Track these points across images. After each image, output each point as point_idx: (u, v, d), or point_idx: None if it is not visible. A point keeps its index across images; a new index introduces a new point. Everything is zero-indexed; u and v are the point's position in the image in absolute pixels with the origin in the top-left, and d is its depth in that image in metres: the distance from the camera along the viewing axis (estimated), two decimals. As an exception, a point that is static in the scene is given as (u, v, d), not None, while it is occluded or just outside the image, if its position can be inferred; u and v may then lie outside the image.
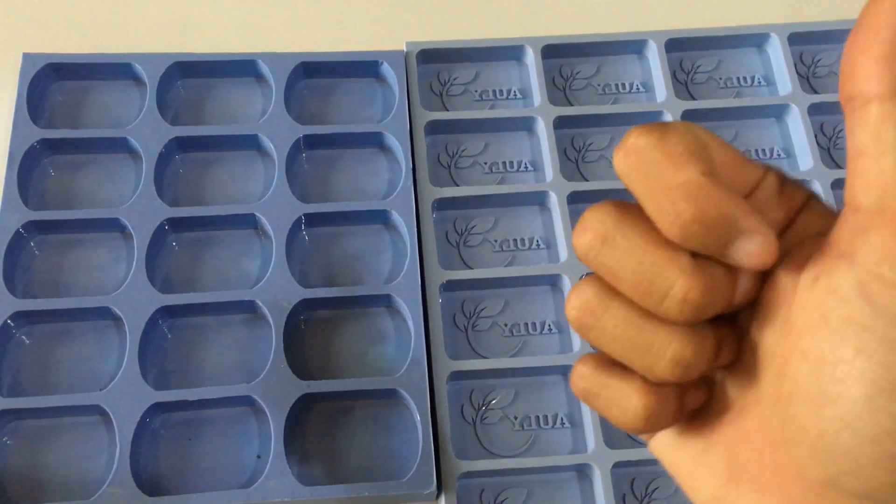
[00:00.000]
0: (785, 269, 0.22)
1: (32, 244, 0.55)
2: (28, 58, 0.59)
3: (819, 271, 0.21)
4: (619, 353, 0.23)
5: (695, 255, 0.22)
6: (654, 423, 0.24)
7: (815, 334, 0.21)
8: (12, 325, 0.52)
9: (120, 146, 0.58)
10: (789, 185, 0.24)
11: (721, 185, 0.21)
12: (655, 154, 0.21)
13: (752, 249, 0.21)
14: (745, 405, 0.24)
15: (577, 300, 0.23)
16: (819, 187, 0.58)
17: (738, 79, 0.64)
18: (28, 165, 0.57)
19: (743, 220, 0.21)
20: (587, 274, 0.25)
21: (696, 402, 0.24)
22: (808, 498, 0.22)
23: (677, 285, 0.22)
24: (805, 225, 0.24)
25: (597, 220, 0.23)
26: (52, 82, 0.60)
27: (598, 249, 0.23)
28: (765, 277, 0.23)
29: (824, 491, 0.21)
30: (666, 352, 0.22)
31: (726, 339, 0.23)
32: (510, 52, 0.63)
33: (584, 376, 0.24)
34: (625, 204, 0.23)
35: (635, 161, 0.22)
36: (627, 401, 0.23)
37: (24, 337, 0.53)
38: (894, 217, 0.19)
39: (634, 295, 0.22)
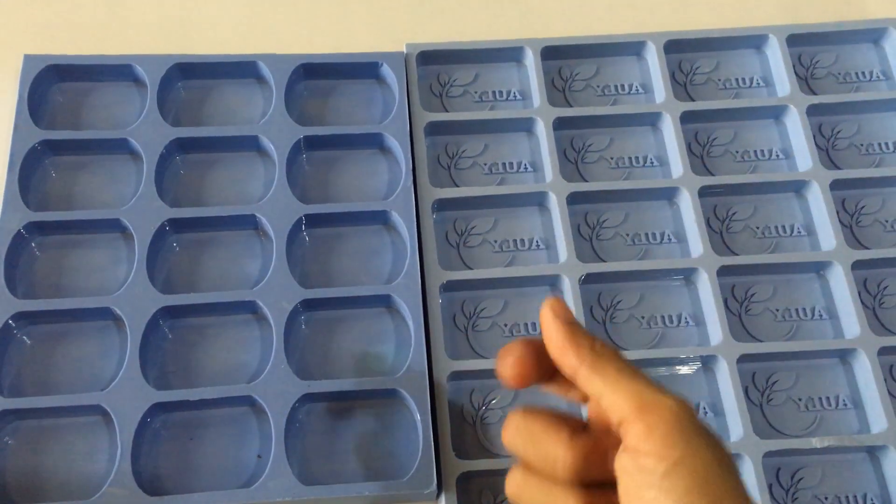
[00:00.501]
0: (616, 459, 0.31)
1: (34, 245, 0.56)
2: (29, 59, 0.59)
3: (618, 460, 0.31)
4: None
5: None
6: None
7: (627, 499, 0.30)
8: (13, 325, 0.52)
9: (121, 147, 0.58)
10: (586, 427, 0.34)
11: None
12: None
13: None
14: None
15: (510, 481, 0.34)
16: (818, 188, 0.58)
17: (736, 80, 0.64)
18: (29, 166, 0.57)
19: (604, 440, 0.32)
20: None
21: None
22: None
23: (560, 456, 0.32)
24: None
25: (513, 420, 0.33)
26: (53, 84, 0.60)
27: (515, 439, 0.33)
28: None
29: None
30: None
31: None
32: (510, 54, 0.63)
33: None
34: (526, 470, 0.33)
35: (517, 435, 0.33)
36: None
37: (25, 337, 0.53)
38: (636, 418, 0.30)
39: (539, 468, 0.33)
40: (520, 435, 0.33)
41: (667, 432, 0.29)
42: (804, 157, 0.60)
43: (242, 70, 0.61)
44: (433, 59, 0.63)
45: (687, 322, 0.56)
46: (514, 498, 0.34)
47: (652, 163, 0.61)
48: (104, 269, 0.55)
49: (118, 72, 0.60)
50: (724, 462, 0.30)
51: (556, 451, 0.32)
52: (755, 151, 0.62)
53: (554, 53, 0.63)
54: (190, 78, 0.61)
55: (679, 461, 0.29)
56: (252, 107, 0.61)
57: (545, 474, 0.32)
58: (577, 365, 0.32)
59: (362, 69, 0.62)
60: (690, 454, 0.29)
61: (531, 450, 0.33)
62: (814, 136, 0.60)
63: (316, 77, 0.62)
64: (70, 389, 0.52)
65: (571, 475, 0.31)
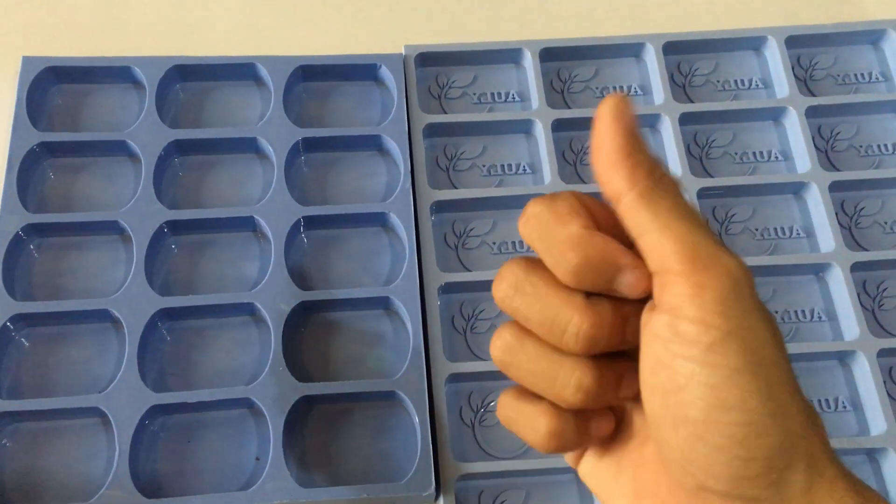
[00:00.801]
0: (643, 317, 0.27)
1: (32, 247, 0.56)
2: (27, 61, 0.59)
3: (646, 321, 0.26)
4: (533, 384, 0.28)
5: (590, 295, 0.27)
6: (559, 444, 0.28)
7: (655, 371, 0.26)
8: (11, 327, 0.52)
9: (119, 149, 0.58)
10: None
11: (599, 234, 0.27)
12: (546, 216, 0.27)
13: (632, 281, 0.26)
14: (645, 433, 0.29)
15: (498, 341, 0.29)
16: (817, 190, 0.58)
17: (735, 81, 0.64)
18: (27, 168, 0.57)
19: (620, 259, 0.26)
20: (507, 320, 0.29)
21: (602, 430, 0.29)
22: None
23: (573, 321, 0.26)
24: None
25: (509, 272, 0.28)
26: (51, 85, 0.60)
27: (511, 297, 0.28)
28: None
29: (700, 496, 0.26)
30: (570, 380, 0.27)
31: (627, 375, 0.28)
32: (508, 56, 0.63)
33: (504, 405, 0.29)
34: (531, 259, 0.28)
35: (533, 223, 0.27)
36: (537, 423, 0.28)
37: (23, 339, 0.53)
38: (684, 270, 0.25)
39: (541, 333, 0.27)
40: (521, 290, 0.27)
41: (719, 298, 0.24)
42: (803, 158, 0.60)
43: (241, 72, 0.61)
44: (432, 61, 0.63)
45: (686, 324, 0.56)
46: (504, 362, 0.29)
47: (651, 164, 0.61)
48: (102, 271, 0.55)
49: (117, 73, 0.60)
50: (780, 344, 0.25)
51: (569, 314, 0.27)
52: (754, 153, 0.62)
53: (552, 55, 0.63)
54: (189, 80, 0.61)
55: (731, 333, 0.24)
56: (251, 108, 0.61)
57: (549, 341, 0.27)
58: (626, 189, 0.25)
59: (361, 71, 0.62)
60: (745, 327, 0.24)
61: (536, 311, 0.27)
62: (813, 138, 0.60)
63: (314, 79, 0.62)
64: (68, 391, 0.52)
65: (585, 344, 0.27)
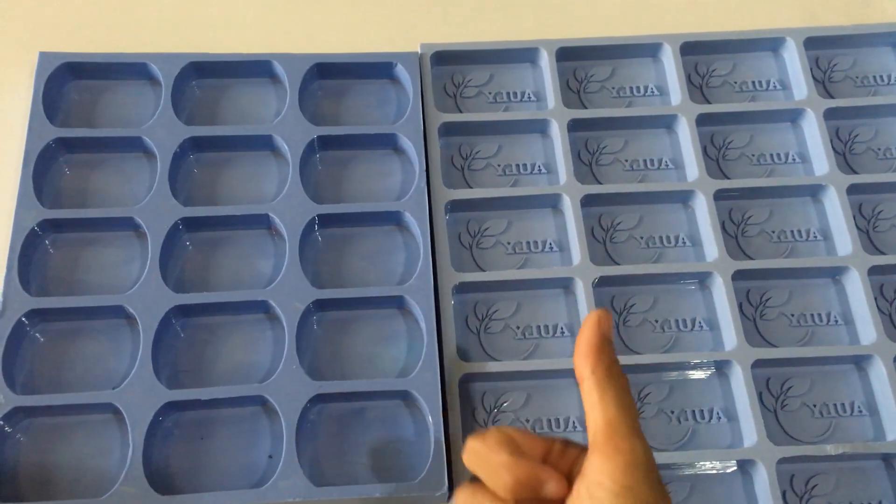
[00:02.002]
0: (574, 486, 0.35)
1: (47, 242, 0.56)
2: (44, 57, 0.59)
3: (574, 488, 0.35)
4: None
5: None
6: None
7: None
8: (27, 322, 0.53)
9: (135, 145, 0.58)
10: (570, 445, 0.37)
11: (524, 458, 0.36)
12: (482, 449, 0.36)
13: (553, 488, 0.35)
14: None
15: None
16: (834, 192, 0.58)
17: (753, 83, 0.64)
18: (43, 164, 0.57)
19: (542, 475, 0.35)
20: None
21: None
22: None
23: None
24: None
25: (461, 496, 0.37)
26: (67, 81, 0.60)
27: None
28: None
29: None
30: None
31: None
32: (524, 55, 0.63)
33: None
34: (477, 483, 0.37)
35: (472, 456, 0.37)
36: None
37: (38, 335, 0.53)
38: (600, 445, 0.34)
39: None
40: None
41: (619, 467, 0.33)
42: (821, 161, 0.60)
43: (257, 69, 0.61)
44: (448, 60, 0.63)
45: (701, 326, 0.56)
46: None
47: (667, 165, 0.60)
48: (117, 267, 0.56)
49: (133, 70, 0.61)
50: None
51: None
52: (771, 155, 0.61)
53: (569, 55, 0.63)
54: (204, 77, 0.61)
55: (621, 493, 0.33)
56: (266, 106, 0.61)
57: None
58: (589, 374, 0.36)
59: (376, 69, 0.62)
60: (634, 492, 0.33)
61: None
62: (831, 140, 0.60)
63: (330, 77, 0.62)
64: (82, 387, 0.52)
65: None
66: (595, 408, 0.35)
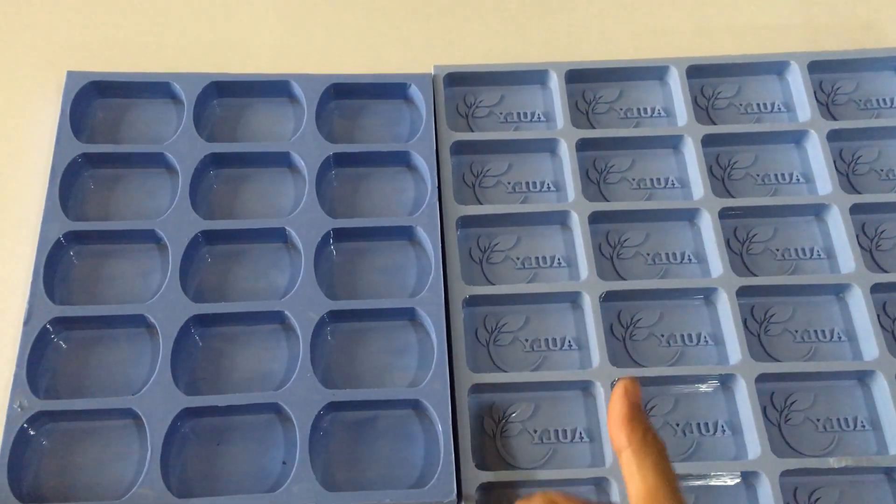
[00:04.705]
0: None
1: (72, 253, 0.58)
2: (72, 76, 0.62)
3: None
4: None
5: None
6: None
7: None
8: (51, 329, 0.54)
9: (157, 161, 0.60)
10: None
11: None
12: None
13: None
14: None
15: None
16: (838, 211, 0.59)
17: (758, 105, 0.65)
18: (70, 178, 0.59)
19: None
20: None
21: None
22: None
23: None
24: None
25: None
26: (94, 99, 0.63)
27: None
28: None
29: None
30: None
31: None
32: (535, 77, 0.65)
33: None
34: None
35: None
36: None
37: (61, 342, 0.55)
38: None
39: None
40: None
41: None
42: (824, 181, 0.61)
43: (276, 89, 0.63)
44: (460, 81, 0.65)
45: (706, 341, 0.57)
46: None
47: (673, 184, 0.62)
48: (138, 277, 0.57)
49: (156, 89, 0.63)
50: None
51: None
52: (776, 175, 0.63)
53: (578, 77, 0.65)
54: (225, 96, 0.63)
55: None
56: (284, 124, 0.63)
57: None
58: (626, 445, 0.37)
59: (391, 89, 0.64)
60: None
61: None
62: (834, 161, 0.61)
63: (346, 97, 0.64)
64: (103, 393, 0.53)
65: None
66: (634, 477, 0.36)
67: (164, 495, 0.49)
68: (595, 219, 0.59)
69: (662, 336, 0.57)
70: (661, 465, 0.36)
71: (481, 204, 0.61)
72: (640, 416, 0.37)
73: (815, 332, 0.57)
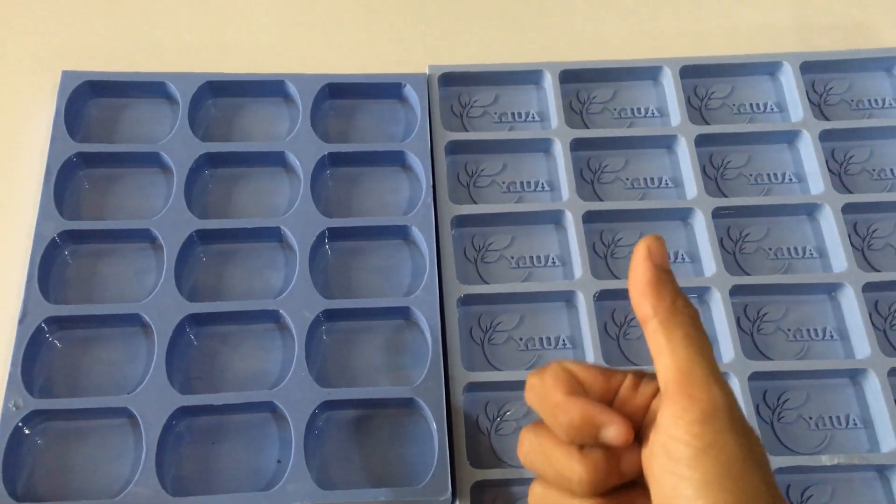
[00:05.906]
0: (650, 435, 0.31)
1: (66, 252, 0.58)
2: (67, 75, 0.62)
3: (645, 441, 0.31)
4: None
5: (585, 446, 0.32)
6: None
7: (653, 483, 0.30)
8: (45, 329, 0.54)
9: (152, 161, 0.60)
10: (644, 381, 0.33)
11: (579, 399, 0.31)
12: (539, 387, 0.33)
13: (612, 435, 0.31)
14: None
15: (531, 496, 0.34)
16: (830, 211, 0.60)
17: (750, 105, 0.65)
18: (64, 177, 0.59)
19: (598, 418, 0.31)
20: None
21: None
22: None
23: (574, 472, 0.31)
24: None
25: (525, 438, 0.34)
26: (89, 99, 0.63)
27: (531, 460, 0.33)
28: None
29: None
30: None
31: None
32: (529, 77, 0.65)
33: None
34: (538, 424, 0.33)
35: (530, 394, 0.33)
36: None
37: (56, 341, 0.55)
38: (673, 395, 0.29)
39: (555, 486, 0.33)
40: (533, 452, 0.33)
41: (697, 419, 0.29)
42: (817, 180, 0.61)
43: (270, 89, 0.63)
44: (455, 81, 0.65)
45: (699, 340, 0.57)
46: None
47: (667, 184, 0.62)
48: (133, 276, 0.57)
49: (151, 88, 0.63)
50: (752, 458, 0.29)
51: (570, 466, 0.31)
52: (768, 175, 0.63)
53: (572, 77, 0.65)
54: (220, 95, 0.64)
55: (703, 450, 0.28)
56: (279, 124, 0.63)
57: (563, 489, 0.32)
58: (651, 315, 0.31)
59: (386, 89, 0.64)
60: (718, 445, 0.28)
61: (546, 466, 0.33)
62: (826, 161, 0.62)
63: (341, 96, 0.64)
64: (98, 392, 0.53)
65: (587, 489, 0.31)
66: (663, 353, 0.30)
67: (159, 494, 0.49)
68: (589, 218, 0.59)
69: (656, 335, 0.57)
70: (694, 336, 0.30)
71: (476, 203, 0.61)
72: (666, 279, 0.31)
73: (808, 330, 0.58)
